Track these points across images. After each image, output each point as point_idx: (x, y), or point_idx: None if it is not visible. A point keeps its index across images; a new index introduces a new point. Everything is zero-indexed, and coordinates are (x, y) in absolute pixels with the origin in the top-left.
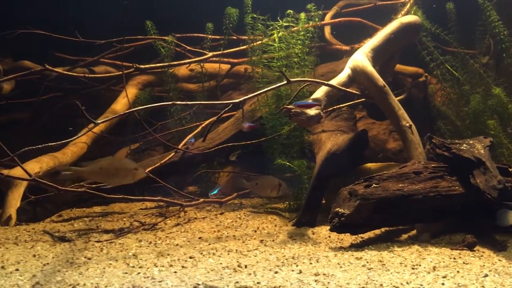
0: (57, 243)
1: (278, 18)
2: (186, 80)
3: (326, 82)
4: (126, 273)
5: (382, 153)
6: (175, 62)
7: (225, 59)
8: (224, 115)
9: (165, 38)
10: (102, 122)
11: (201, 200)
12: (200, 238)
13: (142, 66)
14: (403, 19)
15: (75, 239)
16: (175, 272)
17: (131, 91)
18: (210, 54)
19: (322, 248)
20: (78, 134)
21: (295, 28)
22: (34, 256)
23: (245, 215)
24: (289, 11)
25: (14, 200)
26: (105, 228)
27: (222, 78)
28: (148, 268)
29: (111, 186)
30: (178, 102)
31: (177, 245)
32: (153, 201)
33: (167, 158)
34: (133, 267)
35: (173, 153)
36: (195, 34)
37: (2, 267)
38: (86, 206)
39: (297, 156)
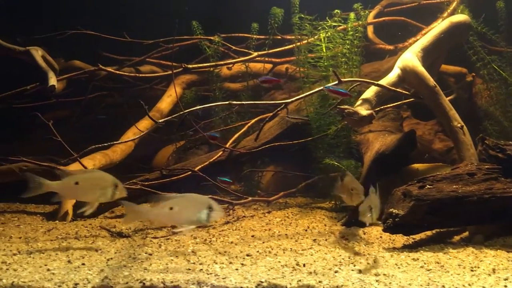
0: (116, 239)
1: (327, 18)
2: (228, 79)
3: (376, 82)
4: (189, 269)
5: (428, 154)
6: (222, 62)
7: (267, 59)
8: (269, 114)
9: (211, 38)
10: (163, 121)
11: (250, 198)
12: (253, 236)
13: (190, 66)
14: (453, 18)
15: (132, 235)
16: (236, 269)
17: (176, 90)
18: (255, 54)
19: (375, 249)
20: (126, 132)
21: (340, 27)
22: (97, 251)
23: (292, 214)
24: (336, 11)
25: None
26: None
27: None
28: (209, 265)
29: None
30: (235, 102)
31: (231, 242)
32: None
33: (215, 157)
34: (193, 263)
35: (221, 152)
36: (239, 34)
37: (69, 261)
38: (136, 202)
39: (344, 156)
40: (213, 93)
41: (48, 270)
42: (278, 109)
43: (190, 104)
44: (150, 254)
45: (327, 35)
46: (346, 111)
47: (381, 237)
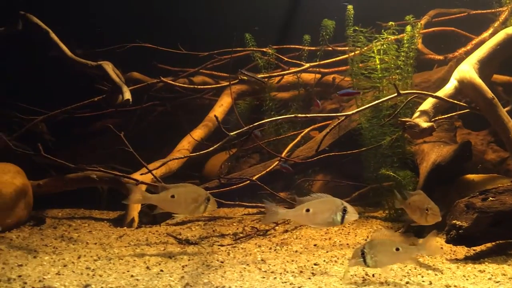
0: (185, 246)
1: (383, 30)
2: (279, 89)
3: (434, 94)
4: (264, 277)
5: (481, 164)
6: (276, 73)
7: (316, 69)
8: (320, 124)
9: (263, 49)
10: (235, 133)
11: None
12: (315, 245)
13: (246, 78)
14: (509, 30)
15: (199, 242)
16: (309, 278)
17: (227, 99)
18: (307, 65)
19: (439, 260)
20: (181, 141)
21: (391, 38)
22: (170, 257)
23: (348, 224)
24: (390, 23)
25: (136, 205)
26: (221, 232)
27: (312, 87)
28: (281, 273)
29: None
30: (301, 115)
31: (296, 251)
32: (258, 207)
33: (271, 167)
34: (265, 271)
35: (278, 162)
36: (290, 46)
37: (147, 267)
38: None
39: (398, 166)
40: (264, 103)
41: (132, 276)
42: (340, 121)
43: (244, 114)
44: (222, 262)
45: (382, 47)
46: (407, 123)
47: (441, 248)
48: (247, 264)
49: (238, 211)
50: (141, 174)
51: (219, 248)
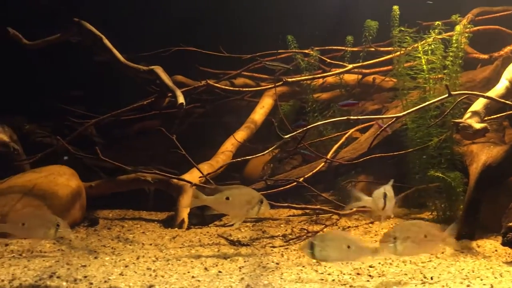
0: (238, 247)
1: (430, 30)
2: (320, 89)
3: (486, 94)
4: (322, 279)
5: None
6: (319, 75)
7: (356, 70)
8: (363, 125)
9: (305, 51)
10: (288, 136)
11: (354, 209)
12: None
13: (290, 80)
14: None
15: (251, 244)
16: (368, 281)
17: (268, 101)
18: (351, 66)
19: (495, 262)
20: (225, 142)
21: (439, 37)
22: (225, 259)
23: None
24: (437, 22)
25: (186, 205)
26: (270, 234)
27: (353, 88)
28: (337, 275)
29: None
30: (353, 117)
31: None
32: (307, 209)
33: (317, 168)
34: (322, 273)
35: (323, 163)
36: (332, 47)
37: (205, 268)
38: None
39: (446, 167)
40: (307, 104)
41: (193, 277)
42: (390, 123)
43: (288, 116)
44: (277, 263)
45: (430, 48)
46: (461, 125)
47: (496, 250)
48: (303, 266)
49: (283, 212)
50: (200, 177)
51: (272, 250)
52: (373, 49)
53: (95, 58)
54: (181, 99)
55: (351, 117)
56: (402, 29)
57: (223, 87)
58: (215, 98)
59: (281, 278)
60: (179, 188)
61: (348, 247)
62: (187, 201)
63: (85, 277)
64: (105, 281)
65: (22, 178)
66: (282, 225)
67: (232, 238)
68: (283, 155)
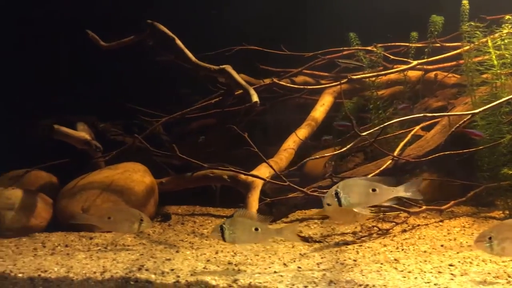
0: (311, 244)
1: (503, 25)
2: (382, 86)
3: None
4: (404, 277)
5: None
6: (383, 72)
7: (419, 66)
8: (428, 122)
9: (368, 48)
10: (367, 133)
11: (424, 207)
12: (442, 245)
13: (354, 77)
14: None
15: (323, 241)
16: (451, 279)
17: (328, 99)
18: (415, 62)
19: None
20: (287, 140)
21: (508, 31)
22: (302, 255)
23: (468, 224)
24: (507, 16)
25: (254, 202)
26: (339, 231)
27: (415, 85)
28: (419, 273)
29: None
30: (429, 115)
31: (425, 252)
32: (375, 206)
33: (384, 166)
34: (402, 271)
35: (390, 161)
36: (395, 43)
37: (284, 264)
38: (303, 208)
39: None
40: (369, 101)
41: (275, 272)
42: (465, 119)
43: (351, 113)
44: (355, 260)
45: (503, 42)
46: None
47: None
48: (381, 263)
49: None
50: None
51: (346, 247)
52: (438, 44)
53: (158, 58)
54: (255, 98)
55: (428, 114)
56: (472, 23)
57: (289, 85)
58: (274, 96)
59: (362, 275)
60: (247, 184)
61: (256, 229)
62: (256, 197)
63: (172, 270)
64: (191, 275)
65: (100, 175)
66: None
67: (303, 235)
68: (345, 153)
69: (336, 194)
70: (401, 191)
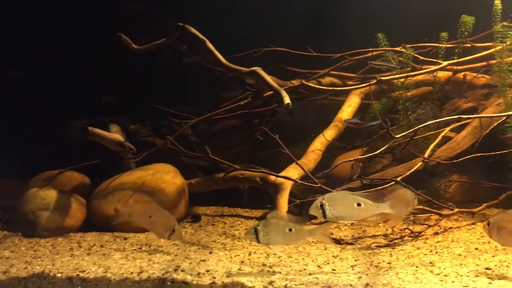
0: (344, 246)
1: None
2: (411, 88)
3: None
4: (441, 281)
5: None
6: (413, 73)
7: (449, 67)
8: (457, 124)
9: (396, 49)
10: (401, 136)
11: (456, 210)
12: (476, 249)
13: (383, 78)
14: None
15: (355, 243)
16: (490, 283)
17: (355, 100)
18: (445, 63)
19: None
20: (314, 141)
21: None
22: (335, 257)
23: None
24: None
25: (284, 203)
26: (371, 233)
27: (443, 86)
28: (456, 277)
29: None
30: (464, 116)
31: (459, 255)
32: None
33: (415, 168)
34: (438, 274)
35: (421, 163)
36: (424, 44)
37: (318, 266)
38: None
39: None
40: (397, 102)
41: (310, 274)
42: (499, 121)
43: (380, 115)
44: (389, 263)
45: None
46: None
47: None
48: (416, 266)
49: None
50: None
51: (379, 249)
52: (469, 45)
53: (184, 59)
54: (287, 100)
55: (462, 116)
56: (505, 24)
57: (317, 86)
58: (298, 98)
59: (399, 278)
60: (277, 186)
61: (290, 230)
62: (285, 199)
63: (207, 271)
64: (227, 276)
65: (132, 176)
66: (380, 225)
67: (334, 237)
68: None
69: (321, 206)
70: (386, 208)
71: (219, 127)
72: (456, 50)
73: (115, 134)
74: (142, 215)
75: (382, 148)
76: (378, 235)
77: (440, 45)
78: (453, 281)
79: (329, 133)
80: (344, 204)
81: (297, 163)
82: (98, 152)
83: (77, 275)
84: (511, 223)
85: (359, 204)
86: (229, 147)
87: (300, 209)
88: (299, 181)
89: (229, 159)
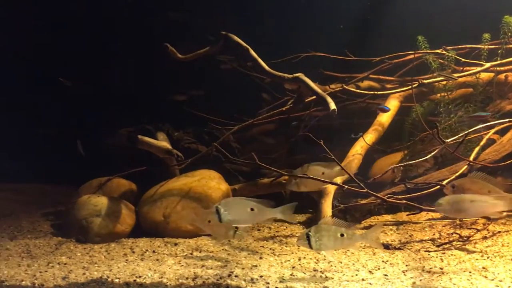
0: (393, 251)
1: None
2: (447, 90)
3: None
4: (497, 286)
5: None
6: (456, 75)
7: (492, 68)
8: (501, 126)
9: (437, 51)
10: (451, 140)
11: (504, 213)
12: None
13: (426, 81)
14: None
15: (403, 247)
16: None
17: (394, 103)
18: (488, 64)
19: None
20: (354, 145)
21: None
22: (385, 262)
23: None
24: None
25: (328, 208)
26: (418, 238)
27: (484, 87)
28: (511, 281)
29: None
30: None
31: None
32: None
33: (460, 171)
34: (492, 280)
35: (466, 166)
36: (466, 46)
37: (369, 271)
38: (375, 214)
39: None
40: (439, 105)
41: (363, 279)
42: None
43: (420, 118)
44: (441, 268)
45: None
46: None
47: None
48: (470, 272)
49: (421, 215)
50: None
51: (429, 254)
52: (511, 45)
53: (222, 66)
54: (332, 105)
55: None
56: None
57: (359, 91)
58: (337, 102)
59: (453, 284)
60: (320, 190)
61: (341, 235)
62: (329, 203)
63: (261, 276)
64: (280, 281)
65: (178, 182)
66: (426, 229)
67: (382, 242)
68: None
69: (217, 210)
70: (278, 213)
71: (254, 132)
72: (499, 51)
73: (163, 142)
74: (203, 221)
75: (432, 153)
76: (425, 240)
77: (483, 46)
78: (509, 286)
79: (369, 137)
80: (238, 208)
81: (342, 168)
82: (140, 159)
83: (134, 280)
84: None
85: (252, 209)
86: (266, 152)
87: (344, 214)
88: (345, 186)
89: (267, 164)
